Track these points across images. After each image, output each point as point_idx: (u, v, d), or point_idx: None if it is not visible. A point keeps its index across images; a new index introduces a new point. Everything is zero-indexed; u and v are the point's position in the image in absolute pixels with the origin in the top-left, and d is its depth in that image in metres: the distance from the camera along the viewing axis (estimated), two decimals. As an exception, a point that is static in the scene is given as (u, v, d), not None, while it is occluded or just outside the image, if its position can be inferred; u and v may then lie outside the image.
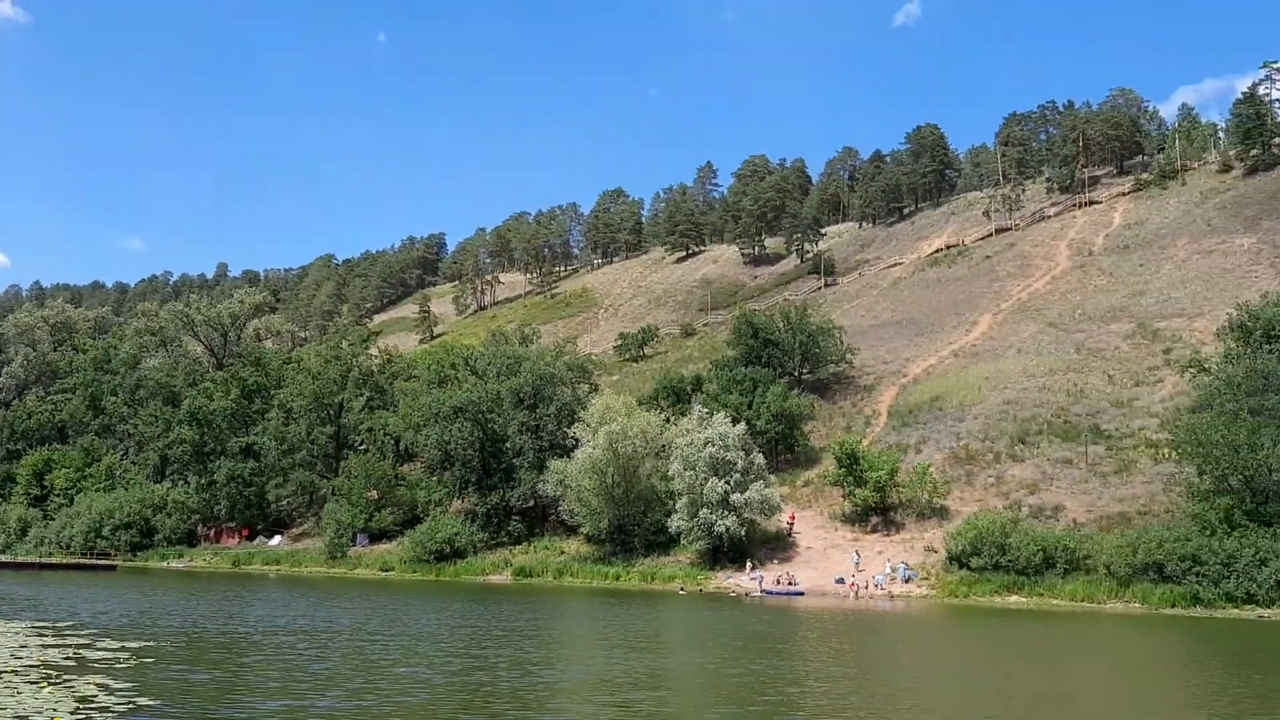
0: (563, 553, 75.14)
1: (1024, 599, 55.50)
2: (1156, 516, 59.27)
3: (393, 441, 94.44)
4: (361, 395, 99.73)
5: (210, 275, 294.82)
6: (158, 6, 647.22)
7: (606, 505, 70.91)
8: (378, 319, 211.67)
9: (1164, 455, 64.93)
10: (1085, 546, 57.32)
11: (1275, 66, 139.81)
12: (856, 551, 65.10)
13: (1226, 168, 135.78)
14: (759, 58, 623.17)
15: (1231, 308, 76.50)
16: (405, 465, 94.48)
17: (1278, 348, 63.64)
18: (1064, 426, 74.24)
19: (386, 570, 79.32)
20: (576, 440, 72.98)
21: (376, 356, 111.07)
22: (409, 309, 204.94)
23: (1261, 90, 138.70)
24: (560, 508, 75.46)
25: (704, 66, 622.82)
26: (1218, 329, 75.43)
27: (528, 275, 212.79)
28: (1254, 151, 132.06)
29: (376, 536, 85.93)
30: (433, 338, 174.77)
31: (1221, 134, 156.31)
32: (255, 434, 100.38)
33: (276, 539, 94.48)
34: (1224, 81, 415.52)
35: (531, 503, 79.67)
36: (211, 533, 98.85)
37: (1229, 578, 50.61)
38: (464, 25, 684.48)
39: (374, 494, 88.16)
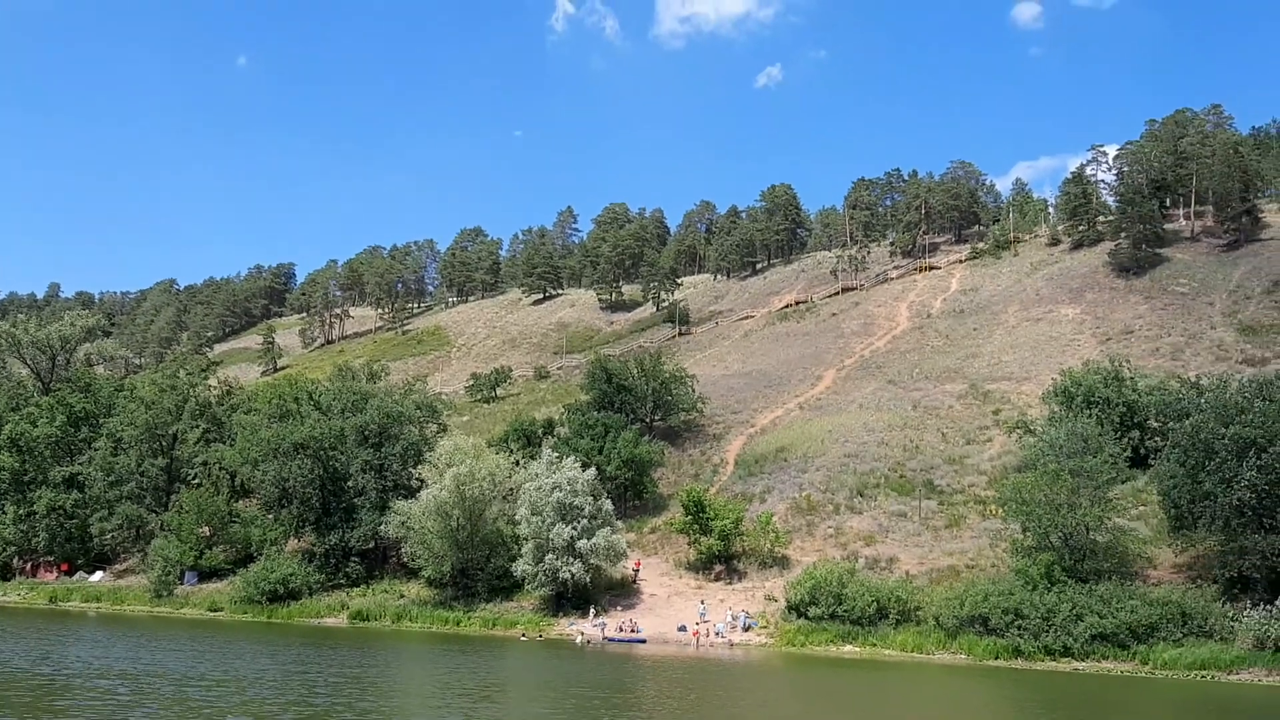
0: (402, 596, 73.32)
1: (858, 649, 56.87)
2: (983, 570, 61.66)
3: (228, 476, 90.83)
4: (197, 427, 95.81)
5: (41, 295, 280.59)
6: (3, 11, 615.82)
7: (450, 548, 69.67)
8: (219, 348, 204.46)
9: (991, 512, 68.00)
10: (916, 598, 59.24)
11: (1102, 149, 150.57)
12: (702, 600, 65.52)
13: (1055, 241, 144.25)
14: (625, 108, 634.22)
15: (1056, 373, 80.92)
16: (240, 501, 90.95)
17: (1097, 412, 67.70)
18: (900, 481, 76.94)
19: (215, 610, 76.09)
20: (422, 481, 71.62)
21: (215, 387, 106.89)
22: (253, 340, 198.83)
23: (1089, 171, 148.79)
24: (402, 550, 73.74)
25: (570, 112, 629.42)
26: (1043, 393, 79.32)
27: (379, 311, 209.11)
28: (1080, 227, 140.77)
29: (207, 575, 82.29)
30: (276, 370, 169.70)
31: (1052, 209, 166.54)
32: (81, 464, 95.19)
33: (98, 575, 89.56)
34: (1058, 159, 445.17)
35: (372, 544, 77.68)
36: (28, 566, 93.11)
37: (1048, 631, 53.03)
38: (327, 54, 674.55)
39: (206, 530, 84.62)
